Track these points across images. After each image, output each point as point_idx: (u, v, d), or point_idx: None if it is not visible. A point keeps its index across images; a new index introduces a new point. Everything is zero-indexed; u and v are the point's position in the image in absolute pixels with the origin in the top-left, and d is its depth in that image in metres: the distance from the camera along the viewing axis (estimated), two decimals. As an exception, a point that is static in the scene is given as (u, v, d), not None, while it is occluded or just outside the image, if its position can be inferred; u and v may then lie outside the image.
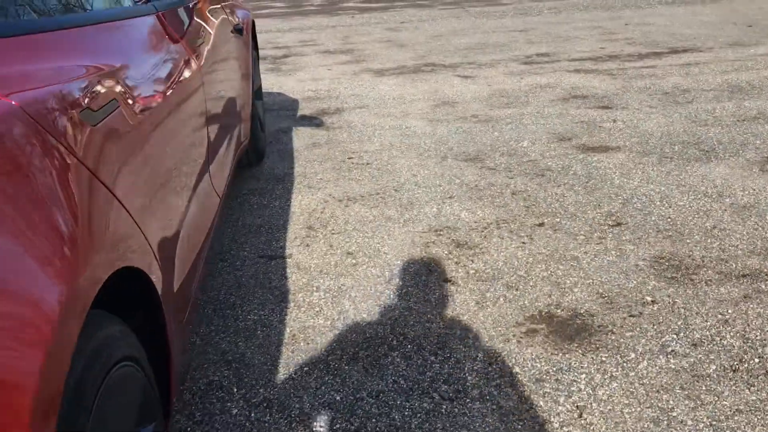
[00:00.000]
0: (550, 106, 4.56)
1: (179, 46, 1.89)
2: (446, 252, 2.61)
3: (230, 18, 2.95)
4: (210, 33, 2.43)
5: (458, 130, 4.13)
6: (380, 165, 3.59)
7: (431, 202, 3.08)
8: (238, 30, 3.07)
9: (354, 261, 2.58)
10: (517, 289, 2.33)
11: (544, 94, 4.91)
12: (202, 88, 1.94)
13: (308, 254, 2.65)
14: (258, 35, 8.29)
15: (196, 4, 2.43)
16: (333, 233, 2.82)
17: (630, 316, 2.14)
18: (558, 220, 2.84)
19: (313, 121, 4.46)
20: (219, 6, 2.83)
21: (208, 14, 2.56)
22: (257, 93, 3.82)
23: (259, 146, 3.54)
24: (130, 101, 1.32)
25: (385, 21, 9.04)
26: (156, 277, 1.25)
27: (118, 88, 1.28)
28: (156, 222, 1.33)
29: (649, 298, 2.23)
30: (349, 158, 3.72)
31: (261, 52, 6.87)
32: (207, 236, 1.94)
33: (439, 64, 6.08)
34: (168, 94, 1.61)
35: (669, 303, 2.20)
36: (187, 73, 1.83)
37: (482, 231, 2.78)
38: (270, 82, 5.60)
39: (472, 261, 2.54)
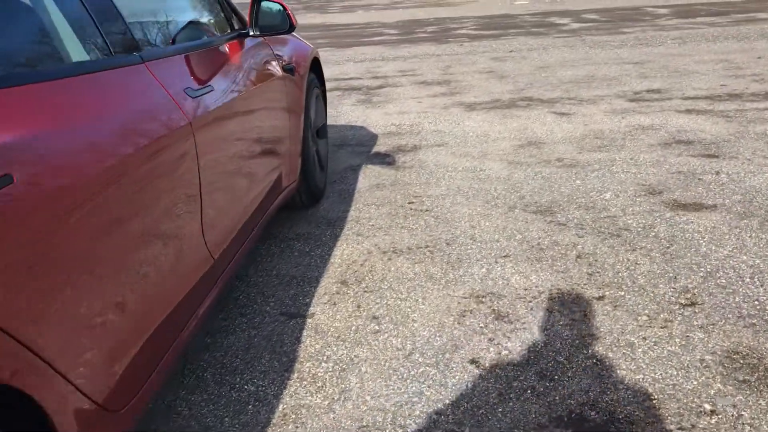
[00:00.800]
0: (648, 152, 4.11)
1: (166, 98, 1.74)
2: (482, 325, 2.32)
3: (275, 57, 2.82)
4: (231, 78, 2.29)
5: (536, 176, 3.79)
6: (440, 212, 3.33)
7: (482, 261, 2.79)
8: (287, 69, 2.93)
9: (377, 327, 2.34)
10: (551, 380, 2.00)
11: (645, 136, 4.46)
12: (189, 144, 1.78)
13: (331, 315, 2.44)
14: (361, 63, 8.28)
15: (219, 46, 2.31)
16: (365, 291, 2.60)
17: (679, 429, 1.76)
18: (622, 293, 2.47)
19: (385, 159, 4.27)
20: (260, 46, 2.70)
21: (238, 56, 2.43)
22: (320, 131, 3.68)
23: (315, 188, 3.38)
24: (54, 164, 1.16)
25: (493, 50, 8.75)
26: (51, 406, 1.07)
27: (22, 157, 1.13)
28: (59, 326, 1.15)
29: (707, 406, 1.84)
30: (410, 203, 3.49)
31: (358, 82, 6.81)
32: (172, 326, 1.73)
33: (536, 99, 5.73)
34: (131, 154, 1.46)
35: (732, 416, 1.80)
36: (167, 128, 1.68)
37: (530, 301, 2.45)
38: (356, 116, 5.48)
39: (509, 339, 2.23)
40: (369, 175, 3.96)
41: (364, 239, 3.08)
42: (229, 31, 2.54)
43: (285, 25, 2.55)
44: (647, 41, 8.85)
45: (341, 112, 5.63)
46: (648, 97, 5.61)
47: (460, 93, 6.14)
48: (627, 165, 3.90)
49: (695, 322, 2.25)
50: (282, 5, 2.51)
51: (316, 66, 3.67)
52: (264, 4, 2.50)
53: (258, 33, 2.54)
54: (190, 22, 2.36)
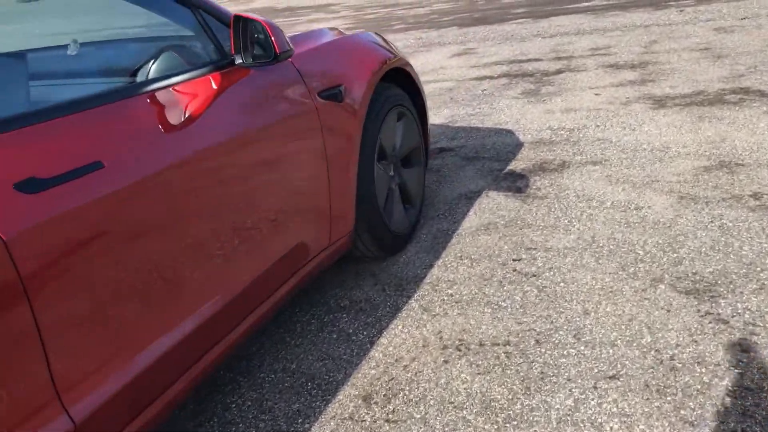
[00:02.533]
0: None
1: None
2: None
3: (300, 82, 2.11)
4: (204, 124, 1.65)
5: (712, 224, 2.68)
6: (550, 281, 2.42)
7: (574, 382, 1.89)
8: (328, 95, 2.21)
9: (367, 501, 1.59)
10: None
11: None
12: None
13: (322, 460, 1.74)
14: (551, 39, 7.14)
15: (188, 82, 1.67)
16: (387, 421, 1.85)
17: None
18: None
19: (516, 183, 3.37)
20: (270, 71, 2.00)
21: (221, 93, 1.77)
22: (411, 158, 2.91)
23: (387, 236, 2.64)
24: None
25: (721, 16, 7.09)
26: None
27: None
28: None
29: None
30: (516, 260, 2.61)
31: (534, 66, 5.81)
32: None
33: (754, 91, 4.34)
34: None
35: None
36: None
37: (617, 485, 1.54)
38: (510, 114, 4.56)
39: None
40: (484, 209, 3.11)
41: (430, 319, 2.30)
42: (213, 59, 1.89)
43: (268, 53, 1.83)
44: None
45: (496, 108, 4.74)
46: None
47: (654, 81, 4.89)
48: None
49: None
50: (263, 24, 1.79)
51: (399, 77, 2.89)
52: (252, 23, 1.80)
53: (244, 62, 1.85)
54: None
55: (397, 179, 2.76)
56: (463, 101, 5.02)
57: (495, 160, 3.71)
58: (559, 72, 5.54)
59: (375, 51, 2.62)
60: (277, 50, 1.80)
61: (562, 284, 2.41)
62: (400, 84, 2.92)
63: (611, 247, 2.62)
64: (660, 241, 2.61)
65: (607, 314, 2.20)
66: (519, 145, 3.91)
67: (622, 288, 2.33)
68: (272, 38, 1.79)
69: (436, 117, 4.69)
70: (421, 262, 2.70)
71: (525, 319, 2.23)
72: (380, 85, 2.64)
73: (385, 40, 2.88)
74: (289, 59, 2.11)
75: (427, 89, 5.51)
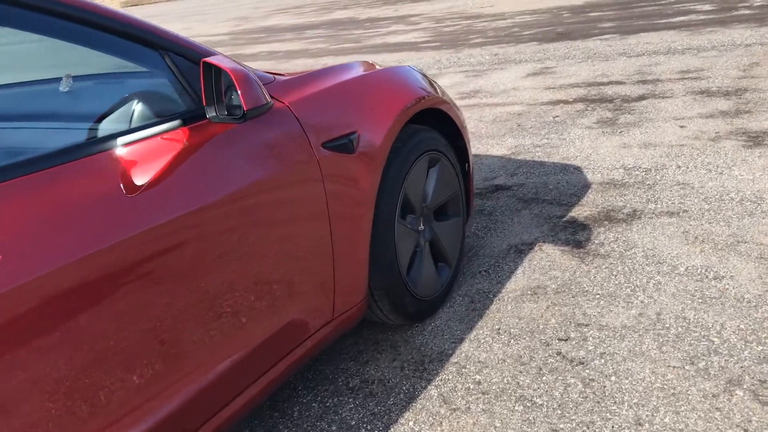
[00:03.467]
0: None
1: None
2: None
3: (299, 133, 1.79)
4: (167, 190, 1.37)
5: (811, 307, 2.19)
6: (599, 374, 2.01)
7: None
8: (334, 145, 1.89)
9: None
10: None
11: None
12: None
13: None
14: (637, 58, 6.57)
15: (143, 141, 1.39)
16: None
17: None
18: None
19: (575, 235, 2.94)
20: (258, 123, 1.69)
21: (189, 151, 1.48)
22: (448, 209, 2.55)
23: (411, 304, 2.29)
24: None
25: (836, 35, 6.33)
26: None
27: None
28: None
29: None
30: (562, 340, 2.20)
31: (615, 90, 5.29)
32: None
33: None
34: None
35: None
36: None
37: None
38: (581, 147, 4.10)
39: None
40: (534, 267, 2.70)
41: (448, 415, 1.93)
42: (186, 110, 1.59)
43: (237, 110, 1.51)
44: None
45: (566, 139, 4.29)
46: None
47: (750, 113, 4.31)
48: None
49: None
50: (231, 75, 1.46)
51: (435, 117, 2.53)
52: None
53: (217, 115, 1.54)
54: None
55: (427, 235, 2.40)
56: (531, 129, 4.59)
57: (556, 204, 3.29)
58: (641, 98, 5.01)
59: (403, 89, 2.27)
60: (245, 107, 1.49)
61: (613, 378, 1.99)
62: (437, 125, 2.56)
63: (679, 329, 2.17)
64: (742, 327, 2.14)
65: (664, 427, 1.77)
66: (585, 187, 3.46)
67: (688, 390, 1.89)
68: (240, 93, 1.48)
69: (498, 147, 4.29)
70: (450, 334, 2.33)
71: (561, 426, 1.83)
72: (409, 128, 2.29)
73: (423, 76, 2.53)
74: (287, 106, 1.80)
75: (495, 113, 5.10)
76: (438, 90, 2.53)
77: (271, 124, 1.73)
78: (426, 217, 2.40)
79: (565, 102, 5.20)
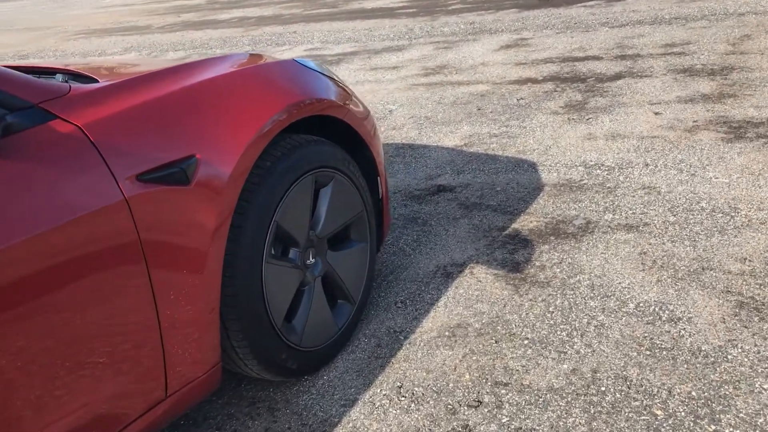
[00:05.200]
0: None
1: None
2: None
3: (122, 155, 1.35)
4: None
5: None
6: (508, 460, 1.59)
7: None
8: (162, 177, 1.43)
9: None
10: None
11: None
12: None
13: None
14: (620, 29, 6.01)
15: None
16: None
17: None
18: None
19: (513, 255, 2.50)
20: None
21: None
22: (349, 234, 2.10)
23: (288, 359, 1.86)
24: None
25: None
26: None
27: None
28: None
29: None
30: (472, 406, 1.77)
31: (590, 66, 4.78)
32: None
33: None
34: None
35: None
36: None
37: None
38: (543, 137, 3.64)
39: None
40: (459, 297, 2.27)
41: None
42: None
43: None
44: None
45: (527, 127, 3.82)
46: None
47: (735, 97, 3.83)
48: None
49: None
50: None
51: (332, 123, 2.08)
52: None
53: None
54: None
55: (318, 270, 1.96)
56: (491, 114, 4.12)
57: (500, 212, 2.84)
58: (617, 77, 4.53)
59: (274, 94, 1.80)
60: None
61: (524, 468, 1.57)
62: (341, 133, 2.11)
63: (617, 395, 1.75)
64: (694, 394, 1.72)
65: None
66: (537, 189, 3.01)
67: (616, 492, 1.48)
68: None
69: (451, 137, 3.82)
70: (343, 392, 1.91)
71: None
72: (288, 141, 1.84)
73: (319, 72, 2.06)
74: (79, 128, 1.35)
75: (456, 94, 4.62)
76: (336, 90, 2.06)
77: (42, 155, 1.28)
78: (317, 247, 1.96)
79: (534, 81, 4.71)
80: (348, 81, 5.40)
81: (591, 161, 3.23)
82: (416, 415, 1.78)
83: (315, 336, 1.93)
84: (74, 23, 12.98)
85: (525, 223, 2.72)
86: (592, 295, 2.19)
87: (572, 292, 2.21)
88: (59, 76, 1.79)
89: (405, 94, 4.79)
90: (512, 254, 2.50)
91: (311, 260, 1.94)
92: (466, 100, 4.47)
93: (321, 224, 1.95)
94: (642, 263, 2.32)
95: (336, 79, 2.15)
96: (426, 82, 5.07)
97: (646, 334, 1.96)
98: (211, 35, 9.08)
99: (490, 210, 2.88)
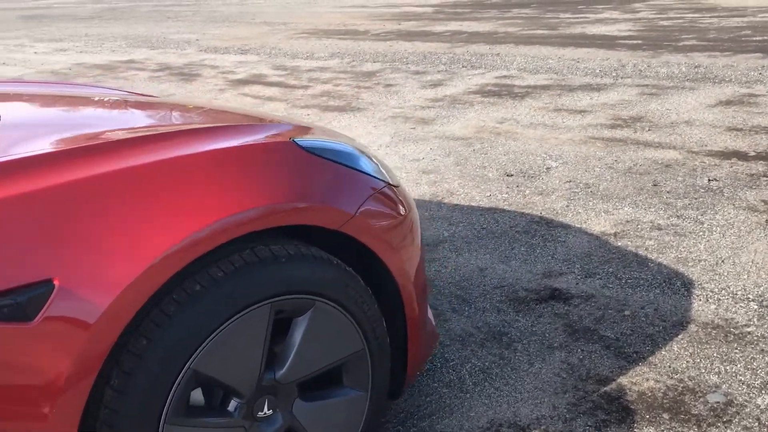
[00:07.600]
0: None
1: None
2: None
3: None
4: None
5: None
6: None
7: None
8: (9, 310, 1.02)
9: None
10: None
11: None
12: None
13: None
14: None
15: None
16: None
17: None
18: None
19: (603, 431, 1.76)
20: None
21: None
22: (328, 380, 1.55)
23: None
24: None
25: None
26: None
27: None
28: None
29: None
30: None
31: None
32: None
33: None
34: None
35: None
36: None
37: None
38: (721, 244, 2.75)
39: None
40: None
41: None
42: None
43: None
44: None
45: (705, 224, 2.92)
46: None
47: None
48: None
49: None
50: None
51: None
52: None
53: None
54: None
55: (274, 426, 1.44)
56: (666, 195, 3.26)
57: (612, 351, 2.08)
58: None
59: (223, 194, 1.31)
60: None
61: None
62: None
63: None
64: None
65: None
66: (678, 326, 2.20)
67: None
68: None
69: (603, 219, 3.05)
70: None
71: None
72: (238, 258, 1.34)
73: (333, 159, 1.54)
74: None
75: (636, 159, 3.78)
76: (344, 189, 1.51)
77: None
78: (279, 395, 1.44)
79: (742, 156, 3.71)
80: (521, 122, 4.74)
81: (773, 297, 2.32)
82: None
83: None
84: (307, 21, 13.51)
85: (639, 379, 1.96)
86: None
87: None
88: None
89: (575, 149, 4.04)
90: (600, 429, 1.77)
91: (264, 412, 1.42)
92: (644, 170, 3.62)
93: (286, 366, 1.43)
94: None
95: (361, 170, 1.60)
96: (608, 137, 4.25)
97: None
98: (417, 48, 8.79)
99: (602, 345, 2.14)
